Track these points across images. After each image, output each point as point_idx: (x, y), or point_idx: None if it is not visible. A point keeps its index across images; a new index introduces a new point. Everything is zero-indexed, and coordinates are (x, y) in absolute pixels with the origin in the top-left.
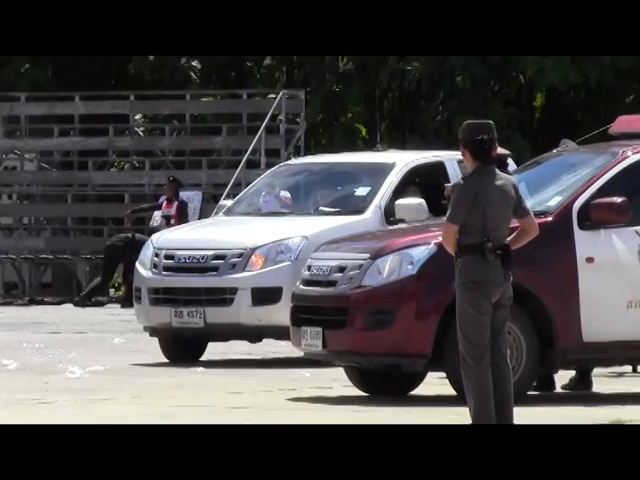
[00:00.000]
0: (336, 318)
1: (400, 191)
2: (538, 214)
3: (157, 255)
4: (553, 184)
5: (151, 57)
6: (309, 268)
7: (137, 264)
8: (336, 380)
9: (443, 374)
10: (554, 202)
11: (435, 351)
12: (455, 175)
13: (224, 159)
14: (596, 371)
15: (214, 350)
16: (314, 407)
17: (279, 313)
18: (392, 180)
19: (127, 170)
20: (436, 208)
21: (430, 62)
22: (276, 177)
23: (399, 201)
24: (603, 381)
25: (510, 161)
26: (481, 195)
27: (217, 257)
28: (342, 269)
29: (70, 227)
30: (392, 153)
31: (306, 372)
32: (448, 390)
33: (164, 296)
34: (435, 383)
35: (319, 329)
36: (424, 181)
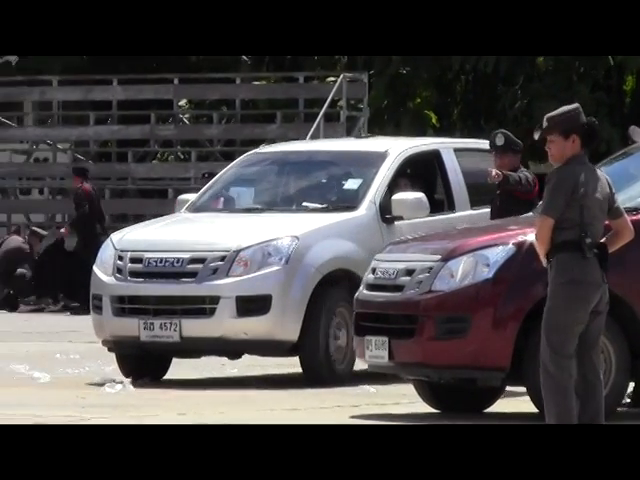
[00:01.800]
0: (404, 326)
1: (393, 184)
2: (628, 211)
3: (120, 258)
4: None
5: None
6: (373, 271)
7: (95, 268)
8: (404, 395)
9: (523, 389)
10: None
11: (514, 363)
12: (452, 165)
13: None
14: None
15: (245, 361)
16: (378, 425)
17: (268, 325)
18: (386, 171)
19: (171, 162)
20: (430, 203)
21: None
22: (245, 168)
23: (396, 196)
24: None
25: None
26: (580, 185)
27: (195, 260)
28: (410, 272)
29: (108, 225)
30: (380, 140)
31: (370, 387)
32: (529, 407)
33: (130, 306)
34: (515, 398)
35: (385, 338)
36: (416, 172)
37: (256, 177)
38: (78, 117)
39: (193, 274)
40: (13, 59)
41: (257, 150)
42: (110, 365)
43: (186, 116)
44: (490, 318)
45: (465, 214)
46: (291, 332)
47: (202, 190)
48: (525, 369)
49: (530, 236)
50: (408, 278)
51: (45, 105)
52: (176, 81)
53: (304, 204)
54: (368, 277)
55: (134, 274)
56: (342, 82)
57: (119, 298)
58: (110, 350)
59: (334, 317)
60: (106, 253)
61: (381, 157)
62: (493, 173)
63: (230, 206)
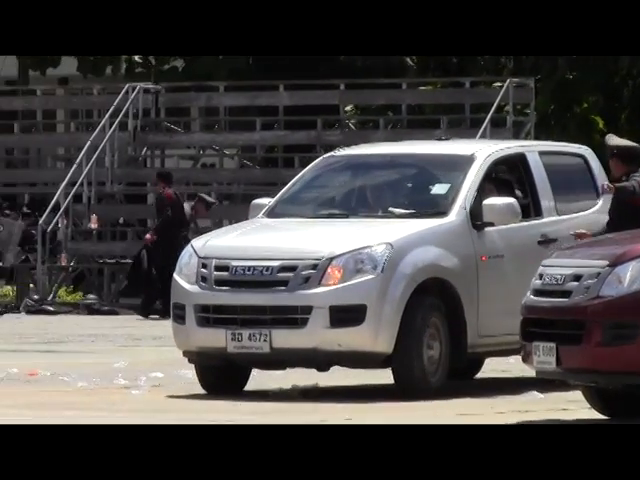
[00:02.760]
0: (572, 332)
1: (480, 189)
2: None
3: (204, 265)
4: None
5: None
6: (540, 277)
7: (176, 276)
8: (572, 402)
9: None
10: None
11: None
12: (538, 169)
13: None
14: None
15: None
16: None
17: (362, 336)
18: (474, 175)
19: None
20: None
21: None
22: (323, 171)
23: (487, 201)
24: None
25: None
26: None
27: (285, 269)
28: (578, 278)
29: None
30: (463, 143)
31: (539, 394)
32: None
33: (216, 315)
34: None
35: (553, 344)
36: (502, 176)
37: (334, 181)
38: (244, 122)
39: (284, 283)
40: (180, 65)
41: (333, 153)
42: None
43: (352, 121)
44: None
45: (554, 219)
46: (386, 344)
47: (278, 195)
48: None
49: None
50: (576, 284)
51: (212, 111)
52: (342, 86)
53: (390, 209)
54: (535, 283)
55: (220, 282)
56: (508, 87)
57: (203, 307)
58: (191, 361)
59: (427, 328)
60: (188, 260)
61: (468, 161)
62: (605, 186)
63: (308, 211)
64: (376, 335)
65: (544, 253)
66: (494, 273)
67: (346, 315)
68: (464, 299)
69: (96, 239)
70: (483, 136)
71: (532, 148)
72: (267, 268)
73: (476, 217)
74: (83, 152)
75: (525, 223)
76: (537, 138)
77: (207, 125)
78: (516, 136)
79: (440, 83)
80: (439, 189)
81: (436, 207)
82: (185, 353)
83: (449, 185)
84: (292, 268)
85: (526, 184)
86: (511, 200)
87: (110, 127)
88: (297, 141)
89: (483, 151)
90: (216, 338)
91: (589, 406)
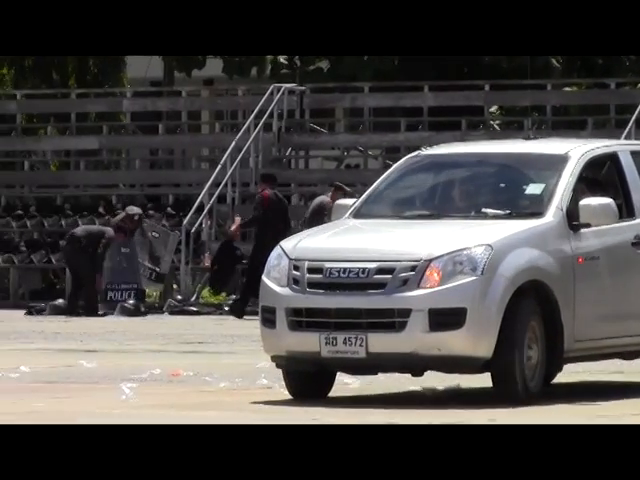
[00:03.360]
0: None
1: (575, 189)
2: None
3: (296, 268)
4: None
5: None
6: None
7: (265, 278)
8: None
9: None
10: None
11: None
12: (630, 169)
13: None
14: None
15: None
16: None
17: (463, 340)
18: (569, 175)
19: None
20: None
21: None
22: (408, 170)
23: (583, 201)
24: None
25: None
26: None
27: (382, 270)
28: None
29: None
30: (554, 142)
31: None
32: None
33: (309, 319)
34: None
35: None
36: (594, 176)
37: (420, 181)
38: (389, 123)
39: (381, 285)
40: (325, 66)
41: (420, 152)
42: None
43: (497, 122)
44: None
45: None
46: (486, 348)
47: (364, 195)
48: None
49: None
50: None
51: (356, 111)
52: (487, 87)
53: (483, 210)
54: None
55: (313, 285)
56: None
57: (295, 311)
58: (279, 366)
59: (527, 332)
60: (277, 262)
61: (562, 160)
62: None
63: (395, 212)
64: (477, 339)
65: (638, 255)
66: (590, 275)
67: (446, 319)
68: (561, 302)
69: (240, 240)
70: (628, 136)
71: (624, 147)
72: (363, 270)
73: (572, 218)
74: (227, 153)
75: (619, 224)
76: None
77: (351, 126)
78: None
79: (585, 84)
80: (533, 189)
81: (532, 208)
82: (274, 358)
83: (543, 185)
84: (389, 270)
85: (618, 184)
86: (608, 201)
87: (255, 128)
88: (442, 141)
89: (576, 150)
90: (309, 342)
91: None
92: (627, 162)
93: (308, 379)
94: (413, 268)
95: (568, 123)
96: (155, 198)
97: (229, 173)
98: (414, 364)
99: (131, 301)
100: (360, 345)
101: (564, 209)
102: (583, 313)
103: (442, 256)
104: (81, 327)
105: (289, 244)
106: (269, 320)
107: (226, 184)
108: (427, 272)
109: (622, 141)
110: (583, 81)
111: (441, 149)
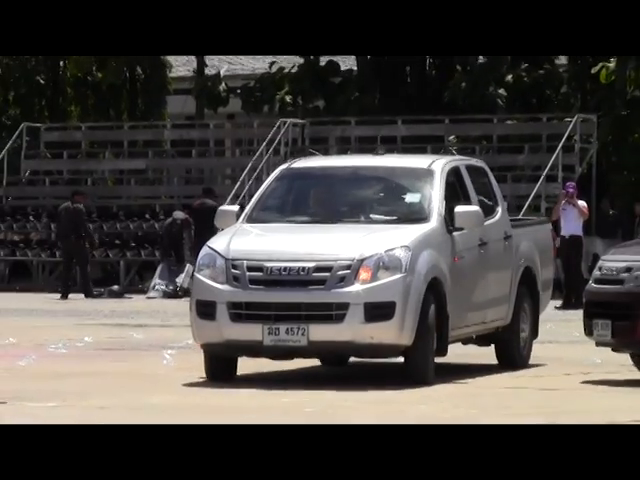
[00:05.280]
0: (624, 312)
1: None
2: None
3: (235, 267)
4: None
5: (463, 84)
6: (600, 269)
7: (199, 276)
8: (623, 365)
9: None
10: None
11: None
12: (468, 180)
13: (526, 174)
14: None
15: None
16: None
17: (392, 330)
18: (439, 185)
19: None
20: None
21: None
22: (287, 180)
23: (459, 208)
24: None
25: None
26: None
27: (320, 269)
28: (629, 269)
29: None
30: (409, 157)
31: (596, 359)
32: None
33: (250, 312)
34: None
35: (608, 321)
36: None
37: (302, 190)
38: (370, 149)
39: (321, 282)
40: (321, 104)
41: (290, 165)
42: None
43: (454, 148)
44: None
45: None
46: (408, 336)
47: (252, 203)
48: None
49: None
50: (627, 274)
51: (345, 140)
52: (447, 121)
53: (371, 216)
54: (595, 273)
55: (255, 282)
56: (576, 121)
57: (237, 304)
58: (212, 354)
59: (434, 322)
60: (211, 262)
61: (428, 173)
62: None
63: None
64: (402, 329)
65: (482, 254)
66: (460, 273)
67: (379, 311)
68: (447, 296)
69: None
70: (556, 160)
71: (462, 162)
72: (303, 269)
73: (448, 223)
74: (245, 172)
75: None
76: (598, 162)
77: (341, 151)
78: (582, 160)
79: (523, 118)
80: (411, 197)
81: (416, 214)
82: (208, 346)
83: (419, 194)
84: (327, 269)
85: (460, 192)
86: (477, 208)
87: (266, 153)
88: None
89: (436, 164)
90: (251, 332)
91: (637, 369)
92: (465, 174)
93: (221, 364)
94: (348, 267)
95: (509, 149)
96: (189, 207)
97: (246, 188)
98: (350, 351)
99: (171, 287)
100: (302, 334)
101: (442, 215)
102: (457, 304)
103: (372, 256)
104: (132, 307)
105: (219, 245)
106: (206, 313)
107: (244, 196)
108: (360, 270)
109: (458, 157)
110: (521, 115)
111: (311, 162)
